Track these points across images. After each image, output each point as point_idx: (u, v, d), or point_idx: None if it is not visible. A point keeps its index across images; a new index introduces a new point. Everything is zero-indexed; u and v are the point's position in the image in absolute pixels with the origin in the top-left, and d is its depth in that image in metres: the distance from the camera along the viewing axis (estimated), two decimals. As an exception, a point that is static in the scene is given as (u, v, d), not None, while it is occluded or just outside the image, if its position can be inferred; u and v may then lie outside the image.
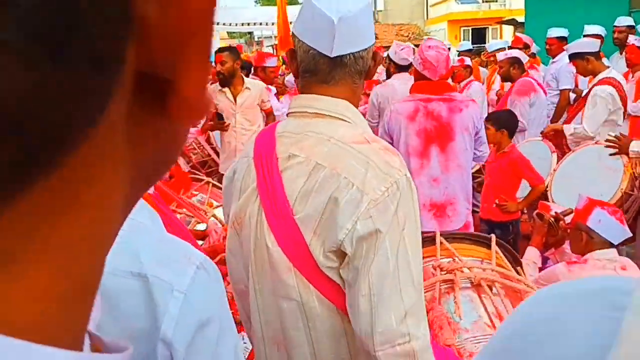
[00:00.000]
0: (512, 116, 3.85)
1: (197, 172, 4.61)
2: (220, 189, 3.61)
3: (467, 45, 7.64)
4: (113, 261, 0.79)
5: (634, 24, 5.73)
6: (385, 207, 1.09)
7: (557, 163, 4.05)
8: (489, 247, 1.93)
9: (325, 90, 1.21)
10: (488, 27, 33.85)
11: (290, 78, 6.60)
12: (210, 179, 3.65)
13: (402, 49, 4.66)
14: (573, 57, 4.53)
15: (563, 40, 5.86)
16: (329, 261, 1.12)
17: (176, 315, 0.75)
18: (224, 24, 25.78)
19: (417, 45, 4.23)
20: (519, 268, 1.88)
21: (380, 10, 39.36)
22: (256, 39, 42.25)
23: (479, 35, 34.71)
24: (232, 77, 4.26)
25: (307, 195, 1.13)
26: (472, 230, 3.24)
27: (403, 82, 4.50)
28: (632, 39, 5.02)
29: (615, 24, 5.70)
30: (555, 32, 5.94)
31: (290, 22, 20.82)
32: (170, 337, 0.75)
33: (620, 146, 3.64)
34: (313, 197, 1.12)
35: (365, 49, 1.21)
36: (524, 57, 5.26)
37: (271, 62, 5.26)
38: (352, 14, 1.15)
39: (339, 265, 1.12)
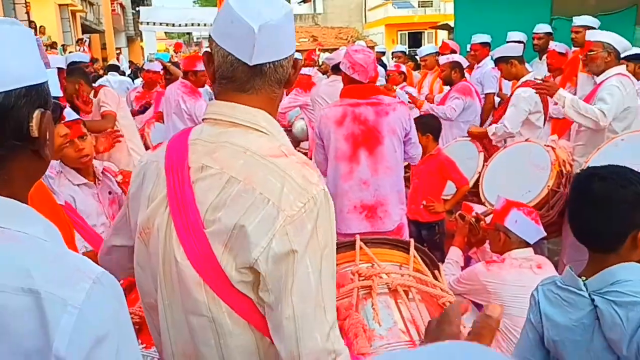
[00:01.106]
0: (435, 120, 3.96)
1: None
2: None
3: (401, 47, 7.79)
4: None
5: (551, 30, 6.01)
6: (301, 224, 1.05)
7: (487, 161, 4.17)
8: (408, 251, 1.95)
9: (242, 98, 1.16)
10: (424, 32, 34.75)
11: None
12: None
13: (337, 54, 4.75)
14: (498, 61, 4.70)
15: (486, 45, 6.08)
16: (242, 276, 1.07)
17: (69, 331, 0.73)
18: (160, 24, 25.26)
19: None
20: (436, 272, 1.90)
21: (320, 14, 39.65)
22: (195, 40, 41.56)
23: (415, 39, 35.60)
24: (73, 103, 4.06)
25: (219, 208, 1.08)
26: (406, 231, 3.31)
27: (331, 80, 4.58)
28: (552, 45, 5.27)
29: (535, 30, 5.96)
30: (479, 38, 6.15)
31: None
32: (63, 354, 0.73)
33: (547, 88, 3.80)
34: (225, 211, 1.07)
35: (286, 58, 1.17)
36: (465, 62, 5.41)
37: (202, 66, 5.15)
38: (273, 22, 1.11)
39: (253, 280, 1.08)
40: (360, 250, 1.91)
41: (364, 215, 3.11)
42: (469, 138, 4.72)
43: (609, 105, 3.55)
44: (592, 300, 1.43)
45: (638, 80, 4.42)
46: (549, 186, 3.62)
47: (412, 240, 2.00)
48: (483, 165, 4.41)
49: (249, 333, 1.11)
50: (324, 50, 36.12)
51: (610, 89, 3.60)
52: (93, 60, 14.76)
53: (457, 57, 5.40)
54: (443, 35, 28.52)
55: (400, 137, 3.09)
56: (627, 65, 4.39)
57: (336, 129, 3.07)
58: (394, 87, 6.25)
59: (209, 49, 1.21)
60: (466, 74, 6.09)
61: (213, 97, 1.24)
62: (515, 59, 4.60)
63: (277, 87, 1.19)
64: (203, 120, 1.21)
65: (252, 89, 1.16)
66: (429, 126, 3.83)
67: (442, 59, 5.46)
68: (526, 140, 4.07)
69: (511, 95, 4.54)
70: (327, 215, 1.10)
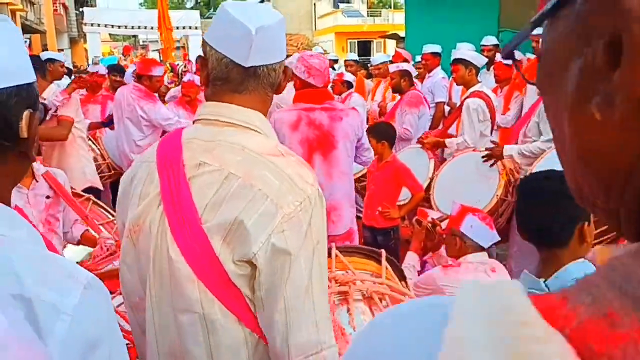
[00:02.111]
0: (391, 128, 4.01)
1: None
2: (102, 207, 3.39)
3: (353, 56, 7.88)
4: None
5: (498, 42, 6.25)
6: (298, 222, 1.09)
7: (438, 169, 4.27)
8: (379, 262, 2.00)
9: (236, 99, 1.19)
10: (373, 40, 35.38)
11: (175, 91, 6.37)
12: (91, 196, 3.41)
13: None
14: (458, 61, 4.74)
15: (437, 55, 6.24)
16: (240, 269, 1.09)
17: (63, 338, 0.71)
18: (105, 26, 24.59)
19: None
20: (403, 282, 1.96)
21: (270, 20, 39.65)
22: (141, 43, 40.68)
23: (364, 48, 36.18)
24: None
25: (218, 204, 1.09)
26: (356, 236, 3.33)
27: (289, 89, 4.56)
28: (499, 57, 5.46)
29: (483, 43, 6.16)
30: (430, 48, 6.30)
31: (177, 28, 20.03)
32: None
33: (495, 154, 3.92)
34: (225, 206, 1.09)
35: (279, 62, 1.21)
36: (414, 71, 5.52)
37: (157, 71, 5.04)
38: (268, 26, 1.16)
39: (249, 274, 1.10)
40: (335, 258, 1.93)
41: (318, 219, 3.12)
42: (420, 145, 4.83)
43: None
44: None
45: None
46: (497, 195, 3.73)
47: (383, 251, 2.03)
48: (434, 172, 4.54)
49: (238, 329, 1.13)
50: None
51: None
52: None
53: (406, 66, 5.48)
54: (392, 44, 29.12)
55: (353, 142, 3.13)
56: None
57: (291, 134, 3.05)
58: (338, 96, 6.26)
59: (202, 54, 1.24)
60: (418, 83, 6.25)
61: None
62: (474, 68, 4.72)
63: (269, 90, 1.22)
64: (195, 121, 1.22)
65: (246, 90, 1.19)
66: (384, 134, 3.88)
67: (392, 67, 5.55)
68: (473, 149, 4.18)
69: (461, 105, 4.69)
70: (320, 214, 1.15)
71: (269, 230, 1.07)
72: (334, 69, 8.44)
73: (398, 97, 5.60)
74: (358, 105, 5.83)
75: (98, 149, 5.26)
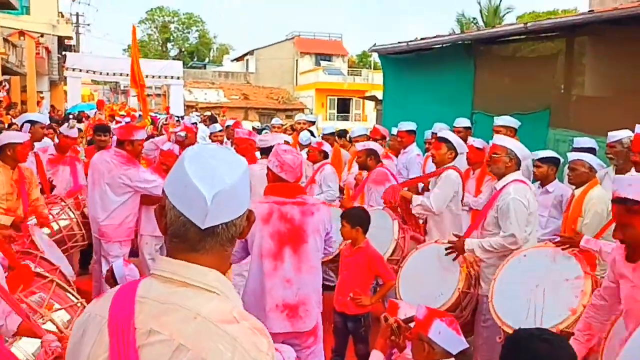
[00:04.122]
0: (365, 214, 4.02)
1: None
2: (66, 290, 3.25)
3: (330, 129, 7.96)
4: None
5: (470, 125, 6.44)
6: None
7: (403, 261, 4.24)
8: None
9: (194, 258, 1.15)
10: (352, 98, 36.19)
11: (148, 147, 6.31)
12: (54, 277, 3.29)
13: (264, 136, 4.79)
14: (442, 139, 4.79)
15: (412, 133, 6.40)
16: None
17: None
18: (87, 71, 24.68)
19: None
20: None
21: (252, 73, 40.36)
22: (122, 88, 40.85)
23: (343, 105, 36.97)
24: None
25: None
26: (320, 330, 3.30)
27: (260, 168, 4.59)
28: (470, 140, 5.59)
29: (455, 124, 6.32)
30: (405, 126, 6.47)
31: (159, 77, 20.29)
32: None
33: (456, 248, 3.94)
34: None
35: (238, 217, 1.18)
36: (380, 149, 5.60)
37: (139, 135, 4.98)
38: (227, 186, 1.13)
39: None
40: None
41: (285, 314, 3.07)
42: (382, 207, 4.88)
43: (513, 225, 3.65)
44: None
45: (550, 182, 4.76)
46: (459, 289, 3.75)
47: None
48: (399, 234, 4.55)
49: None
50: (256, 110, 36.47)
51: (514, 205, 3.68)
52: (10, 106, 14.09)
53: (372, 145, 5.58)
54: (370, 103, 29.79)
55: (322, 237, 3.16)
56: (539, 167, 4.76)
57: (262, 226, 3.04)
58: (313, 164, 6.33)
59: (163, 203, 1.19)
60: (394, 157, 6.37)
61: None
62: (454, 152, 4.82)
63: (228, 245, 1.19)
64: (152, 274, 1.18)
65: (204, 250, 1.16)
66: (358, 219, 3.90)
67: (359, 146, 5.60)
68: (435, 241, 4.21)
69: (431, 173, 4.81)
70: None
71: None
72: (311, 132, 8.50)
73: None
74: (330, 176, 5.96)
75: (75, 216, 5.11)
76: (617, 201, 2.16)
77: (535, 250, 3.57)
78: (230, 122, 9.86)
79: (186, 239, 1.15)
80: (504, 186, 3.84)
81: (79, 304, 3.18)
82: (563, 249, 3.45)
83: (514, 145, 3.96)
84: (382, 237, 4.37)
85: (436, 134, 5.75)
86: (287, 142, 6.77)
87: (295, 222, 3.07)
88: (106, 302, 1.17)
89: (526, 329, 1.72)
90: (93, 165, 4.98)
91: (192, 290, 1.13)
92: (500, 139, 4.09)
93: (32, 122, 5.40)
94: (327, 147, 6.58)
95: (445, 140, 4.69)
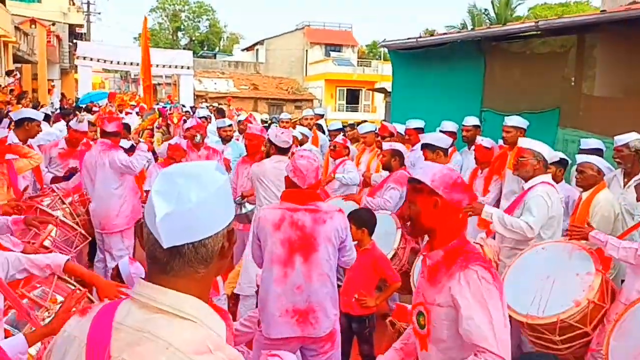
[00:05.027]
0: (371, 215, 4.04)
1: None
2: (67, 282, 3.28)
3: (337, 124, 7.94)
4: None
5: (479, 123, 6.42)
6: None
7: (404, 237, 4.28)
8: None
9: (166, 281, 1.13)
10: (361, 90, 36.02)
11: (162, 150, 6.42)
12: (55, 250, 3.37)
13: (282, 133, 4.79)
14: (425, 146, 4.92)
15: (420, 131, 6.39)
16: None
17: None
18: (98, 60, 24.76)
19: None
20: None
21: (262, 63, 40.25)
22: (132, 76, 40.89)
23: (353, 96, 36.80)
24: None
25: None
26: (338, 338, 3.29)
27: (275, 161, 4.63)
28: (479, 139, 5.58)
29: (464, 123, 6.32)
30: (413, 123, 6.45)
31: (169, 66, 20.36)
32: None
33: (475, 210, 3.94)
34: None
35: (209, 237, 1.13)
36: (406, 151, 5.54)
37: (111, 127, 5.49)
38: (192, 205, 1.08)
39: None
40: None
41: (295, 319, 3.08)
42: (389, 212, 4.89)
43: (535, 217, 3.73)
44: None
45: (558, 183, 4.75)
46: None
47: None
48: (400, 244, 4.55)
49: None
50: (266, 100, 36.33)
51: (537, 200, 3.78)
52: (22, 95, 14.14)
53: (398, 146, 5.49)
54: (379, 95, 29.64)
55: (335, 245, 3.13)
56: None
57: (273, 232, 3.06)
58: (334, 160, 6.41)
59: (143, 220, 1.20)
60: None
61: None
62: (441, 150, 4.84)
63: (201, 267, 1.14)
64: (132, 297, 1.17)
65: (173, 272, 1.13)
66: (364, 220, 3.93)
67: (385, 146, 5.56)
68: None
69: None
70: None
71: None
72: (320, 126, 8.49)
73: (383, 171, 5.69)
74: (352, 170, 6.13)
75: (67, 205, 5.05)
76: (409, 180, 2.25)
77: (555, 245, 3.63)
78: (242, 117, 9.89)
79: (156, 259, 1.13)
80: (533, 186, 3.87)
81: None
82: (571, 238, 3.51)
83: (540, 146, 3.99)
84: (384, 243, 4.36)
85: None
86: (305, 137, 6.84)
87: (306, 229, 3.06)
88: (86, 325, 1.17)
89: (525, 354, 1.74)
90: (85, 164, 5.44)
91: (166, 317, 1.11)
92: (525, 142, 4.11)
93: (30, 120, 5.46)
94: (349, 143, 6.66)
95: (426, 146, 4.80)
